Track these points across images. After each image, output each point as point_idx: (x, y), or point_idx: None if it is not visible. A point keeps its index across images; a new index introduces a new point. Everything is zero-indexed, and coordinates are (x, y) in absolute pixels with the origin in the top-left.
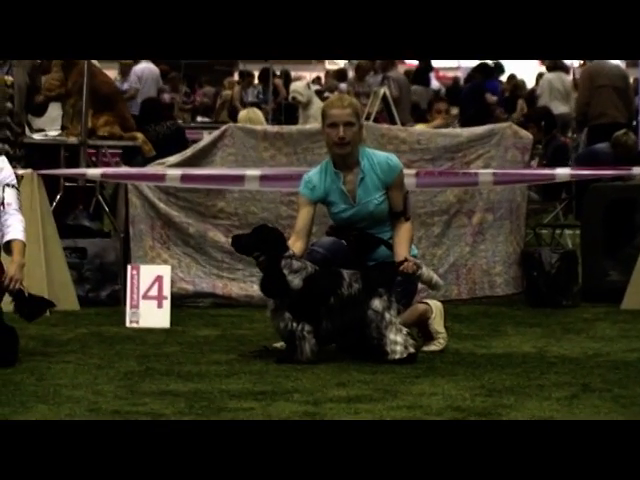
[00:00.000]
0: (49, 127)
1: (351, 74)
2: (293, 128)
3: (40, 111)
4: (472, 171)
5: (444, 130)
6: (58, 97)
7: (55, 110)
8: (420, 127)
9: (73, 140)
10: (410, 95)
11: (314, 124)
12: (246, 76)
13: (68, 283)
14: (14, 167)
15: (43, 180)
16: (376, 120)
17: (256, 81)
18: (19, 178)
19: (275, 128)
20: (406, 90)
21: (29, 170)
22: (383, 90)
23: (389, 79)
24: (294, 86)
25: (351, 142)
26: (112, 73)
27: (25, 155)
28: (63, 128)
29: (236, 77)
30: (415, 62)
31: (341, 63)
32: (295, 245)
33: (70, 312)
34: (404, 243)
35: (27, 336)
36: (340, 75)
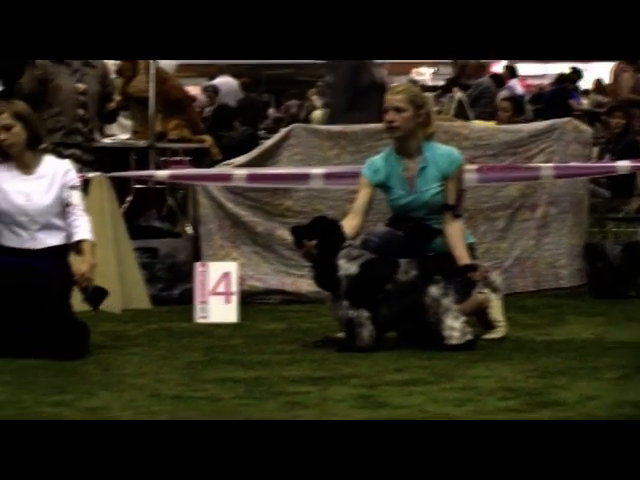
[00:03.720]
0: (121, 134)
1: None
2: (356, 127)
3: (111, 118)
4: (533, 165)
5: (505, 126)
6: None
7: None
8: (480, 123)
9: (142, 143)
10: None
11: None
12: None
13: (140, 283)
14: (86, 171)
15: (113, 183)
16: None
17: None
18: (89, 181)
19: (339, 127)
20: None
21: (98, 173)
22: (459, 95)
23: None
24: None
25: (400, 127)
26: None
27: (96, 159)
28: (135, 132)
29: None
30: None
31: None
32: (351, 222)
33: (142, 310)
34: (460, 244)
35: (98, 332)
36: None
